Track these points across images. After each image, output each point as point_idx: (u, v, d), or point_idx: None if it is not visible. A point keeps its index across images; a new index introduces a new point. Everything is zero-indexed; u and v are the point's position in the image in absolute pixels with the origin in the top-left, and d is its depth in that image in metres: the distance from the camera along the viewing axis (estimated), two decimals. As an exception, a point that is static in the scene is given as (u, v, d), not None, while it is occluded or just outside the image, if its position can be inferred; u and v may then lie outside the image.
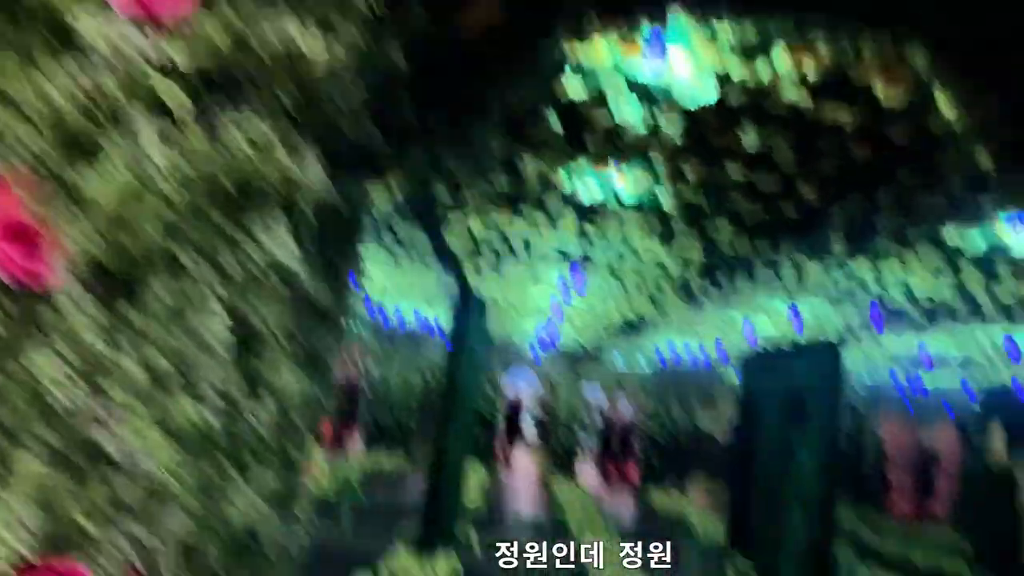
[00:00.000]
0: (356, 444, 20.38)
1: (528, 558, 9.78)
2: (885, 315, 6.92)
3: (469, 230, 5.78)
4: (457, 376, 8.82)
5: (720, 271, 6.46)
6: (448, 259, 7.56)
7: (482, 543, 10.24)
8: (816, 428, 8.81)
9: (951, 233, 4.43)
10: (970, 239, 4.51)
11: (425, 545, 8.50)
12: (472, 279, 8.35)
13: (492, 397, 19.92)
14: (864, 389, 15.33)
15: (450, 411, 8.77)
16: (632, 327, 10.88)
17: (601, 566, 9.04)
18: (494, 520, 11.95)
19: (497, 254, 6.80)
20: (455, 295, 9.03)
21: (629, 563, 9.44)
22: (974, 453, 17.93)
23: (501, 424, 20.55)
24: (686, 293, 7.54)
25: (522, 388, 20.40)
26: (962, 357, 9.35)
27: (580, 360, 19.32)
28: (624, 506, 16.65)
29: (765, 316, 8.70)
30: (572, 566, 9.60)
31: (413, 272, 9.15)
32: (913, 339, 8.61)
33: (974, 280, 5.34)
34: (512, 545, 10.12)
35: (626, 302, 8.64)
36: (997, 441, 12.45)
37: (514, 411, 19.90)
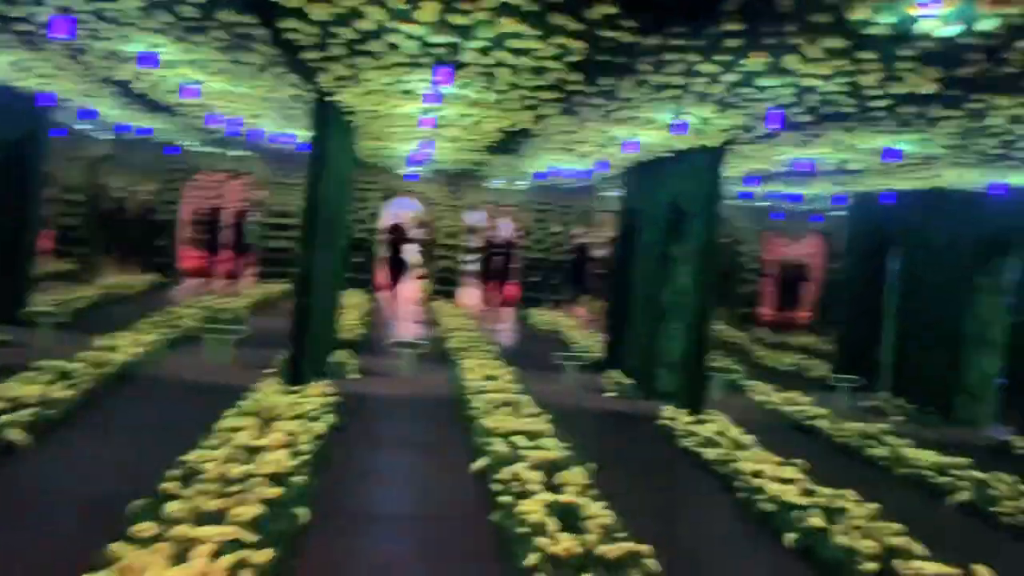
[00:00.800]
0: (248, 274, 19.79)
1: (407, 382, 9.58)
2: (771, 121, 6.54)
3: (309, 18, 4.85)
4: (319, 197, 8.04)
5: (603, 72, 5.82)
6: (298, 64, 6.58)
7: (360, 370, 9.92)
8: (694, 240, 8.67)
9: (859, 13, 3.93)
10: (878, 21, 4.03)
11: (295, 376, 8.03)
12: (328, 85, 7.39)
13: (369, 223, 19.19)
14: (740, 199, 15.43)
15: (314, 235, 8.05)
16: (510, 143, 10.23)
17: (481, 386, 8.91)
18: (374, 347, 11.60)
19: (351, 52, 5.88)
20: (314, 109, 8.09)
21: (509, 382, 9.37)
22: (840, 260, 18.76)
23: (382, 251, 19.96)
24: (566, 99, 6.89)
25: (402, 214, 19.56)
26: (839, 165, 9.27)
27: (458, 180, 18.68)
28: (504, 326, 16.72)
29: (649, 129, 8.22)
30: (451, 386, 9.47)
31: (269, 86, 8.07)
32: (794, 147, 8.39)
33: (872, 74, 4.93)
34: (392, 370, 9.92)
35: (501, 112, 7.92)
36: (862, 246, 12.87)
37: (395, 237, 19.21)
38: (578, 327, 15.86)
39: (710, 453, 7.18)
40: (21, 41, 6.72)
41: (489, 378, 9.57)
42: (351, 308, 14.88)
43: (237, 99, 8.96)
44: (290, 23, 5.05)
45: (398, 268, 19.55)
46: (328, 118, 8.03)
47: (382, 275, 20.05)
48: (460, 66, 6.01)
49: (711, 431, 7.94)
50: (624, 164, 11.14)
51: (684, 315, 9.01)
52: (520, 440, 6.71)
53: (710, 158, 8.45)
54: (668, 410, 8.65)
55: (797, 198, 13.92)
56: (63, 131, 15.14)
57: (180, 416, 7.13)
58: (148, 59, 6.44)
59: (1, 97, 9.57)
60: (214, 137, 14.23)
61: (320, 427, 6.74)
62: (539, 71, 5.92)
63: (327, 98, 7.89)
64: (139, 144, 16.73)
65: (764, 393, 10.51)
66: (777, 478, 6.38)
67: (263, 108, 9.61)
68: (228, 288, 17.26)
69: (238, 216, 19.08)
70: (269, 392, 7.81)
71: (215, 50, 6.36)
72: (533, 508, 5.13)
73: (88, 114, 11.39)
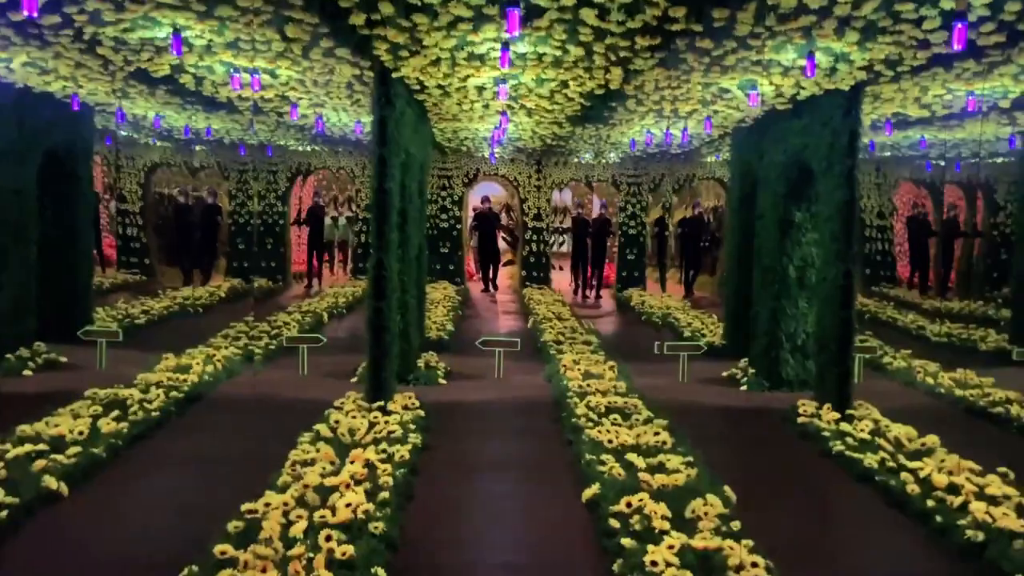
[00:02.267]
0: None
1: (499, 385, 8.54)
2: (949, 43, 5.09)
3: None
4: (387, 186, 7.10)
5: (712, 3, 4.63)
6: (348, 34, 5.62)
7: (449, 374, 9.03)
8: (826, 202, 7.31)
9: None
10: None
11: (375, 390, 7.15)
12: (387, 58, 6.42)
13: (454, 211, 18.31)
14: (877, 148, 13.50)
15: (384, 228, 7.12)
16: (598, 110, 9.05)
17: (582, 386, 7.88)
18: (464, 345, 10.67)
19: (404, 8, 4.88)
20: (375, 88, 7.14)
21: (614, 380, 8.30)
22: (1001, 212, 16.63)
23: (469, 239, 18.99)
24: (666, 46, 5.70)
25: (487, 199, 18.25)
26: (1002, 100, 7.68)
27: (543, 158, 17.54)
28: (604, 312, 15.55)
29: (767, 76, 6.88)
30: (549, 388, 8.47)
31: (323, 66, 7.18)
32: (955, 81, 6.87)
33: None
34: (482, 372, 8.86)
35: (586, 72, 6.77)
36: None
37: (480, 224, 17.69)
38: (685, 308, 14.56)
39: (870, 460, 5.90)
40: (26, 38, 5.99)
41: (591, 376, 8.52)
42: (438, 303, 14.07)
43: (294, 87, 8.11)
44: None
45: (486, 256, 18.00)
46: (392, 97, 7.06)
47: (470, 264, 19.15)
48: (534, 12, 4.92)
49: (865, 429, 6.65)
50: (731, 123, 9.79)
51: (817, 289, 7.67)
52: (636, 457, 5.65)
53: (841, 104, 7.05)
54: (806, 405, 7.38)
55: (923, 144, 12.06)
56: (110, 139, 14.88)
57: (248, 447, 6.35)
58: (175, 43, 5.59)
59: (26, 102, 8.98)
60: (288, 133, 13.55)
61: (403, 451, 5.84)
62: (633, 8, 4.76)
63: (389, 74, 6.93)
64: (208, 145, 16.27)
65: (923, 373, 9.03)
66: (978, 492, 5.03)
67: (325, 95, 8.74)
68: (310, 291, 16.69)
69: (312, 212, 17.87)
70: (348, 408, 6.99)
71: (250, 26, 5.46)
72: (664, 556, 4.07)
73: (125, 118, 10.80)
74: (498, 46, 5.83)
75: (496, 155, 16.66)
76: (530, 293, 16.62)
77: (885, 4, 4.51)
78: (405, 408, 7.14)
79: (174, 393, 7.38)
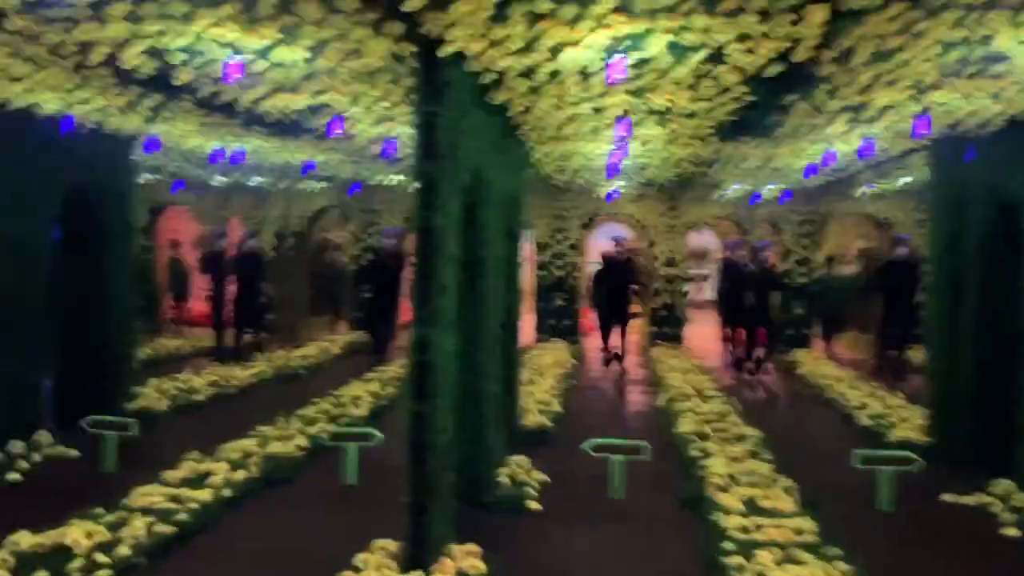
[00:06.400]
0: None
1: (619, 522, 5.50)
2: None
3: None
4: (436, 221, 4.49)
5: None
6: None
7: (542, 492, 6.22)
8: None
9: None
10: None
11: (415, 550, 4.43)
12: (427, 24, 3.86)
13: (570, 257, 15.63)
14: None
15: (429, 286, 4.49)
16: (763, 107, 6.14)
17: (745, 532, 4.98)
18: (573, 437, 7.63)
19: None
20: (420, 74, 4.60)
21: (794, 516, 5.33)
22: None
23: (586, 291, 15.85)
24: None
25: (611, 243, 14.65)
26: None
27: (677, 194, 14.59)
28: (754, 384, 12.23)
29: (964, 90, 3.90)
30: (692, 524, 5.56)
31: (342, 40, 4.74)
32: None
33: None
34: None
35: (760, 23, 3.98)
36: None
37: (612, 273, 13.22)
38: (864, 384, 10.98)
39: None
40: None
41: (758, 511, 5.52)
42: (545, 370, 11.34)
43: (317, 82, 5.71)
44: None
45: (613, 315, 13.38)
46: (442, 85, 4.48)
47: (588, 320, 16.17)
48: None
49: None
50: (953, 122, 6.57)
51: None
52: None
53: None
54: None
55: None
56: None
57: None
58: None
59: (37, 131, 7.02)
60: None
61: None
62: None
63: (434, 49, 4.37)
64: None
65: None
66: None
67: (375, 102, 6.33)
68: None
69: (380, 262, 13.47)
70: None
71: None
72: None
73: (159, 146, 8.80)
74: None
75: (618, 190, 13.88)
76: (660, 355, 13.59)
77: None
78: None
79: (160, 528, 4.96)
